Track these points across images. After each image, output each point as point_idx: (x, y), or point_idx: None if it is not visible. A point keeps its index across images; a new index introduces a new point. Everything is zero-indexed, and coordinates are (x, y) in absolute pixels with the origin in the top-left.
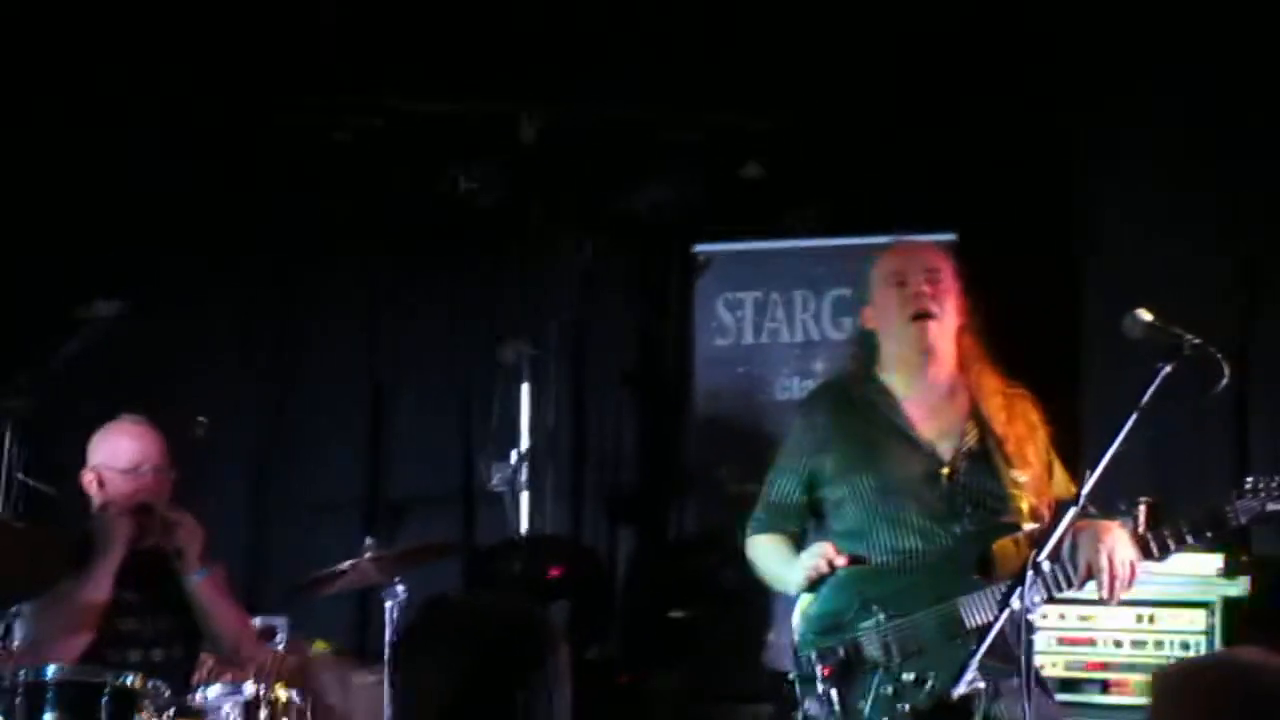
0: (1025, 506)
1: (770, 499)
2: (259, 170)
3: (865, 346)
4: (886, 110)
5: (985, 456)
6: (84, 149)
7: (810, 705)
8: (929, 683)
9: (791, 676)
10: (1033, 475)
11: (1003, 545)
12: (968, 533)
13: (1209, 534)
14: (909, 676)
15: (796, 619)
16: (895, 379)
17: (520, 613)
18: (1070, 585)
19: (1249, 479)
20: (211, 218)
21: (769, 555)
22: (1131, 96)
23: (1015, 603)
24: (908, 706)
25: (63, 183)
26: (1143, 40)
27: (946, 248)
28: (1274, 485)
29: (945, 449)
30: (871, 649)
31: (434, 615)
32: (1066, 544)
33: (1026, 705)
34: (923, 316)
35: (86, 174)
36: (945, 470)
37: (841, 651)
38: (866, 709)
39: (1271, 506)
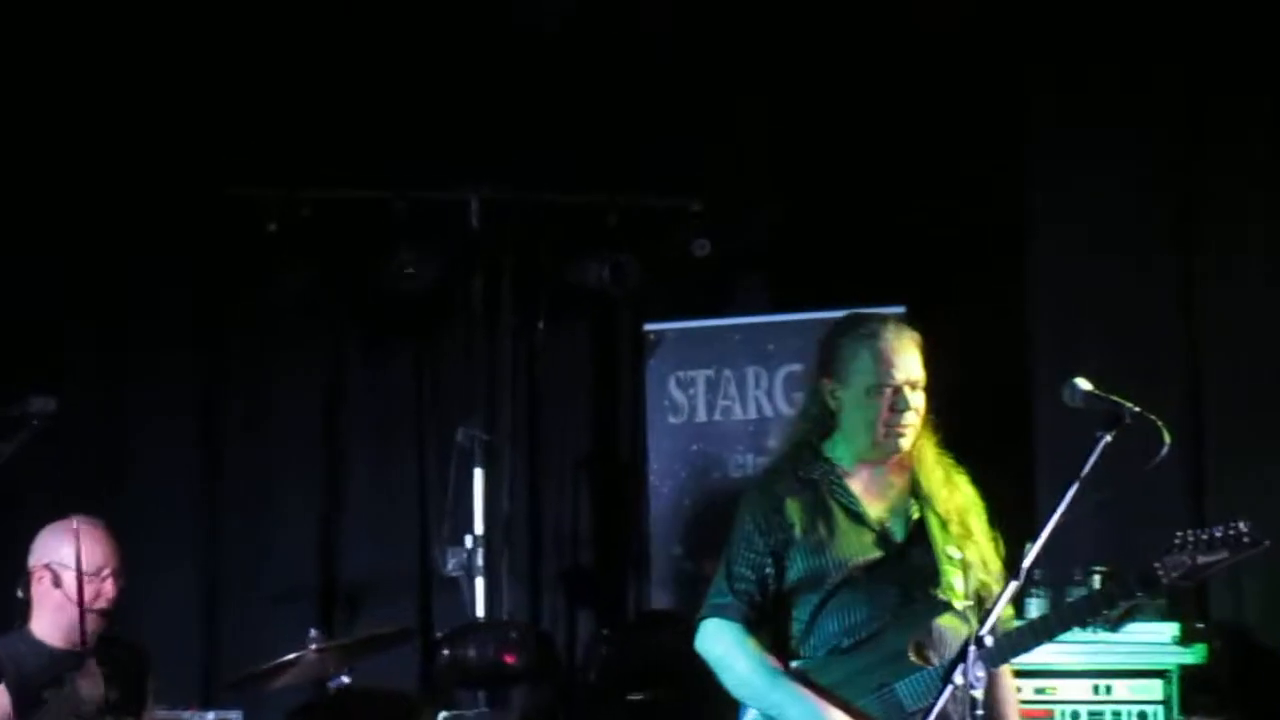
0: (959, 584)
1: (736, 574)
2: (204, 256)
3: (825, 420)
4: (833, 186)
5: (926, 534)
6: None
7: None
8: None
9: None
10: (978, 548)
11: (947, 622)
12: (912, 613)
13: (1140, 594)
14: None
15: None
16: (844, 454)
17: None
18: None
19: (1178, 534)
20: (156, 303)
21: (746, 667)
22: (1077, 160)
23: (958, 678)
24: None
25: None
26: (1090, 104)
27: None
28: (1204, 538)
29: (895, 528)
30: None
31: None
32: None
33: None
34: (902, 430)
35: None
36: (895, 551)
37: None
38: None
39: (1201, 559)
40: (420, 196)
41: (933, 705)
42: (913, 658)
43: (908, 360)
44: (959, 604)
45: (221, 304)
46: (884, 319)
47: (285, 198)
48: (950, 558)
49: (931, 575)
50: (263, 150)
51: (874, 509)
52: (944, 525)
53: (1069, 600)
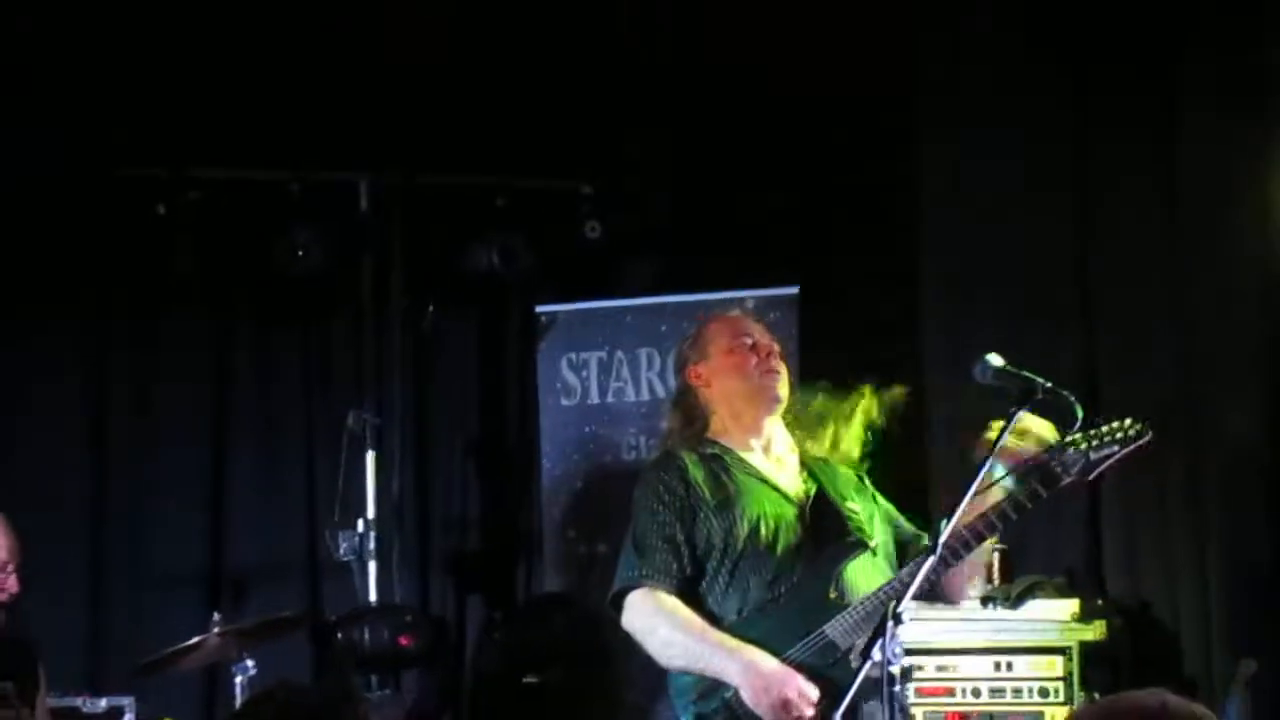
0: (865, 528)
1: (647, 543)
2: (91, 239)
3: (699, 408)
4: (725, 166)
5: (825, 495)
6: None
7: None
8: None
9: None
10: (876, 504)
11: (862, 562)
12: (827, 558)
13: (1044, 492)
14: None
15: (672, 689)
16: (730, 433)
17: (330, 700)
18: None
19: (1070, 435)
20: (41, 287)
21: (681, 625)
22: (966, 135)
23: (877, 654)
24: None
25: None
26: (978, 76)
27: (789, 302)
28: (1095, 435)
29: (795, 490)
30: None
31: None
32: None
33: None
34: (774, 378)
35: None
36: (803, 506)
37: (726, 709)
38: None
39: (1094, 455)
40: (309, 178)
41: (850, 682)
42: (833, 596)
43: (758, 328)
44: (870, 543)
45: (108, 287)
46: (727, 306)
47: (173, 179)
48: (853, 510)
49: (839, 523)
50: (150, 131)
51: (774, 475)
52: (837, 486)
53: (980, 513)
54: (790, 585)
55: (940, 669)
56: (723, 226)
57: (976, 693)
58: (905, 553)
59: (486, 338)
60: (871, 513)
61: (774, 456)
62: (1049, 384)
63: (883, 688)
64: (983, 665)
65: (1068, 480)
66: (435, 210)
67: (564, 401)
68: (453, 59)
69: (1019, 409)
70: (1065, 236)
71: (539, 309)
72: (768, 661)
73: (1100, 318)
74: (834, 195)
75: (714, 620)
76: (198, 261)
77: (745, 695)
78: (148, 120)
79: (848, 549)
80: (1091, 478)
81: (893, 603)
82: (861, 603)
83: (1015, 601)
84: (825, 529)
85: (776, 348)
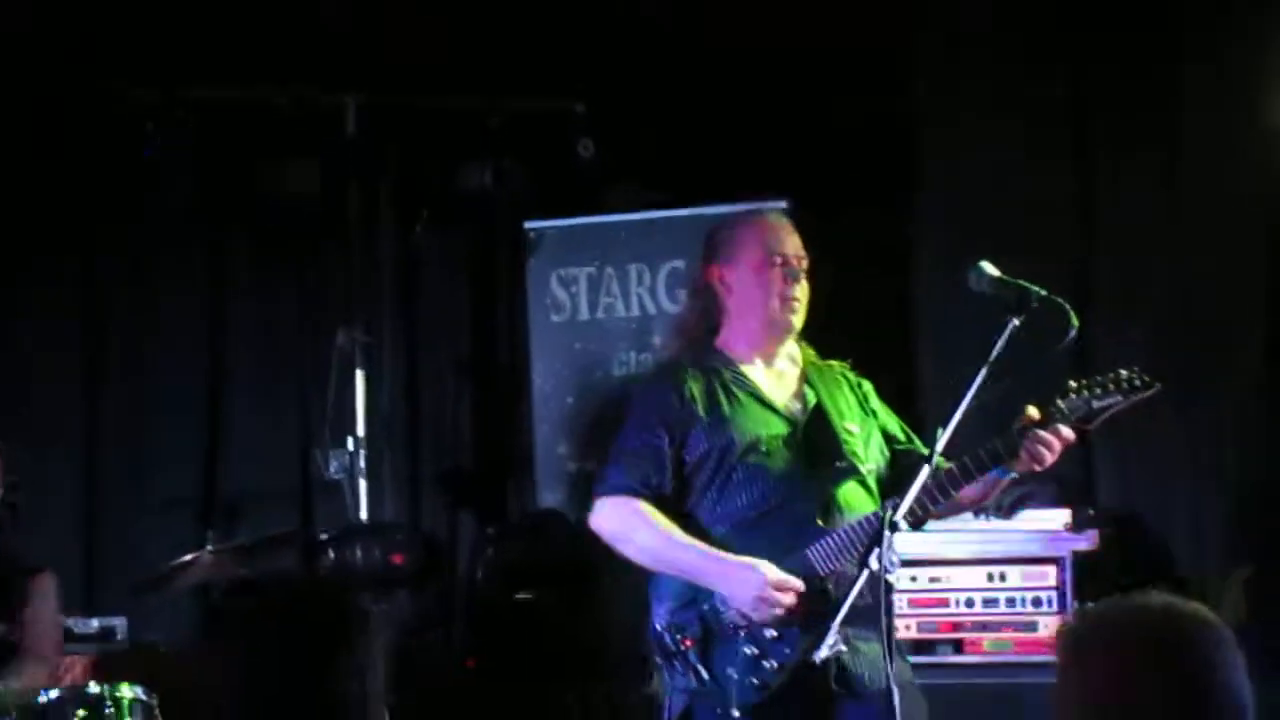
0: (860, 451)
1: (631, 451)
2: (77, 161)
3: (712, 310)
4: (717, 82)
5: (823, 413)
6: None
7: (678, 680)
8: (793, 635)
9: (656, 657)
10: (877, 420)
11: (851, 487)
12: (817, 481)
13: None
14: (772, 633)
15: (653, 598)
16: (739, 346)
17: (328, 597)
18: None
19: (1073, 381)
20: (33, 208)
21: (656, 531)
22: (964, 46)
23: (874, 563)
24: (775, 663)
25: None
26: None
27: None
28: (1098, 382)
29: (794, 408)
30: (730, 613)
31: (239, 599)
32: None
33: (889, 668)
34: (794, 304)
35: None
36: (798, 427)
37: (700, 621)
38: (734, 673)
39: (1097, 404)
40: (298, 99)
41: (846, 591)
42: (820, 522)
43: (794, 239)
44: (863, 468)
45: (100, 211)
46: (767, 210)
47: (162, 101)
48: (849, 431)
49: (833, 446)
50: (137, 53)
51: (771, 391)
52: (837, 403)
53: (979, 448)
54: (778, 506)
55: (933, 580)
56: (714, 142)
57: (970, 603)
58: (902, 472)
59: (477, 257)
60: (870, 433)
61: (775, 371)
62: (1044, 292)
63: (879, 595)
64: (976, 576)
65: (1064, 422)
66: (426, 132)
67: (554, 318)
68: None
69: (1014, 318)
70: (1065, 170)
71: (528, 225)
72: (742, 559)
73: (1099, 239)
74: (829, 115)
75: (701, 536)
76: (188, 184)
77: (724, 589)
78: (134, 41)
79: (838, 473)
80: (1092, 426)
81: (890, 511)
82: (845, 530)
83: (1008, 512)
84: (819, 451)
85: (806, 263)
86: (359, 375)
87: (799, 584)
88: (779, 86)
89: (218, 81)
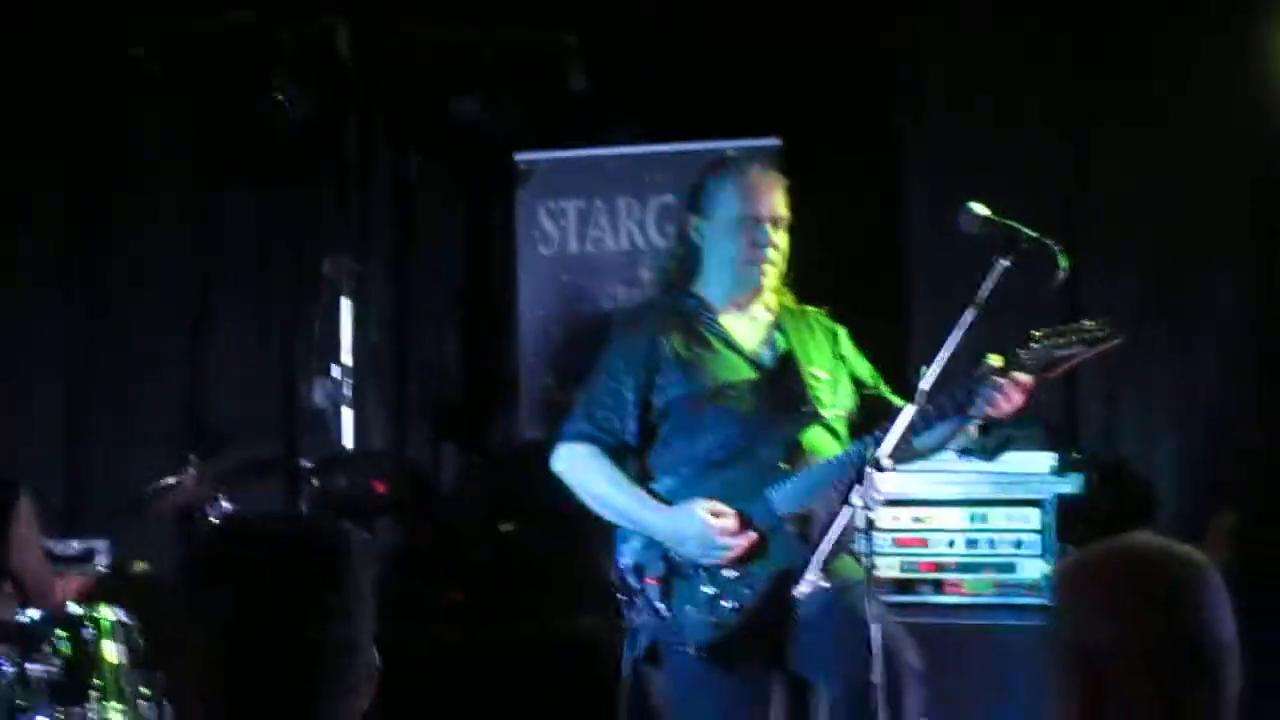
0: (826, 397)
1: (596, 400)
2: (64, 91)
3: (690, 258)
4: (710, 16)
5: (792, 360)
6: None
7: (641, 617)
8: (752, 576)
9: (620, 594)
10: (848, 364)
11: (816, 432)
12: (783, 425)
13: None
14: (731, 574)
15: (618, 536)
16: (714, 293)
17: (314, 531)
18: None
19: (1037, 330)
20: (19, 139)
21: (604, 483)
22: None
23: (856, 500)
24: (733, 603)
25: None
26: None
27: (771, 155)
28: (1060, 331)
29: (764, 355)
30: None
31: (223, 537)
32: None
33: (868, 603)
34: (763, 265)
35: None
36: (763, 371)
37: (664, 560)
38: (692, 611)
39: (1058, 353)
40: (290, 29)
41: (827, 526)
42: (784, 466)
43: (771, 196)
44: (827, 414)
45: (86, 138)
46: (751, 158)
47: (155, 28)
48: (817, 378)
49: (800, 392)
50: None
51: (743, 338)
52: (807, 350)
53: (939, 394)
54: (744, 450)
55: (916, 520)
56: (707, 78)
57: (951, 544)
58: (869, 415)
59: (469, 188)
60: (839, 378)
61: (748, 317)
62: (1034, 233)
63: (862, 531)
64: (958, 517)
65: (1023, 374)
66: (419, 63)
67: (542, 250)
68: None
69: (1003, 258)
70: (1057, 113)
71: (518, 157)
72: (680, 505)
73: (1089, 182)
74: (821, 51)
75: (668, 479)
76: (176, 112)
77: (666, 539)
78: None
79: (803, 418)
80: (1052, 375)
81: (872, 449)
82: (806, 472)
83: (992, 453)
84: (785, 395)
85: (784, 215)
86: (345, 304)
87: (733, 523)
88: (772, 16)
89: (209, 9)
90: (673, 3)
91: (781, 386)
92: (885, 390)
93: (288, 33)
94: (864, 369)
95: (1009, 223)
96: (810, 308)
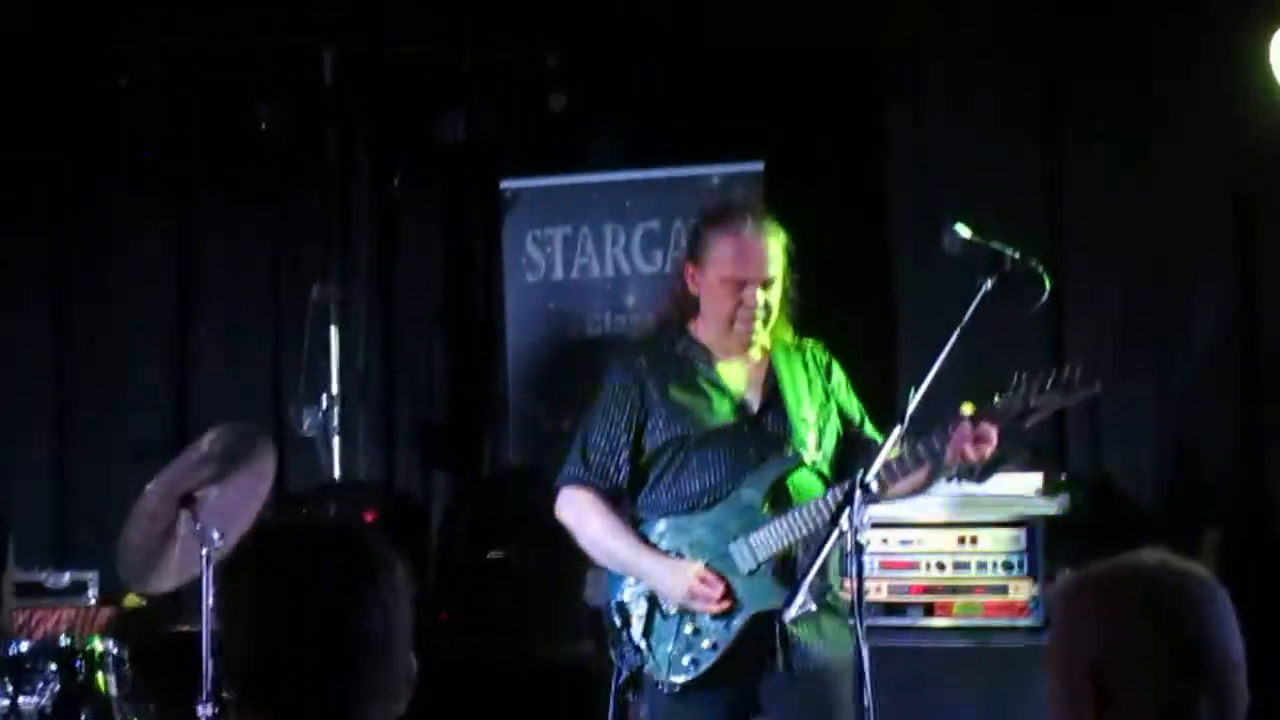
0: (811, 442)
1: (592, 444)
2: (48, 106)
3: (687, 301)
4: (693, 40)
5: (781, 400)
6: None
7: (623, 651)
8: (732, 617)
9: (606, 630)
10: (835, 402)
11: (800, 477)
12: (766, 470)
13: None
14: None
15: (610, 575)
16: (707, 338)
17: (349, 531)
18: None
19: (1016, 375)
20: (3, 160)
21: (600, 530)
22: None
23: (844, 523)
24: (710, 641)
25: None
26: None
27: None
28: (1036, 382)
29: (752, 399)
30: None
31: (260, 538)
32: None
33: (860, 625)
34: (751, 324)
35: None
36: (753, 418)
37: (647, 599)
38: (671, 650)
39: (1034, 401)
40: (273, 47)
41: (817, 552)
42: (766, 511)
43: (764, 258)
44: (809, 458)
45: (72, 160)
46: (749, 212)
47: (136, 49)
48: (805, 420)
49: (785, 437)
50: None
51: (733, 382)
52: (797, 390)
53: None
54: (728, 494)
55: (904, 543)
56: (689, 100)
57: (941, 566)
58: (849, 451)
59: (452, 211)
60: (827, 419)
61: (740, 360)
62: (1016, 254)
63: (850, 556)
64: (946, 539)
65: (993, 424)
66: (400, 82)
67: (529, 278)
68: None
69: (986, 280)
70: (1035, 134)
71: (503, 184)
72: (671, 558)
73: (1069, 203)
74: (803, 70)
75: (656, 520)
76: (162, 132)
77: (655, 586)
78: None
79: (786, 463)
80: (1026, 424)
81: (861, 472)
82: (787, 516)
83: (980, 476)
84: (771, 440)
85: (773, 275)
86: (333, 331)
87: (719, 586)
88: (753, 39)
89: (192, 29)
90: (652, 22)
91: (767, 431)
92: (870, 429)
93: (272, 53)
94: (852, 405)
95: (992, 244)
96: (808, 340)
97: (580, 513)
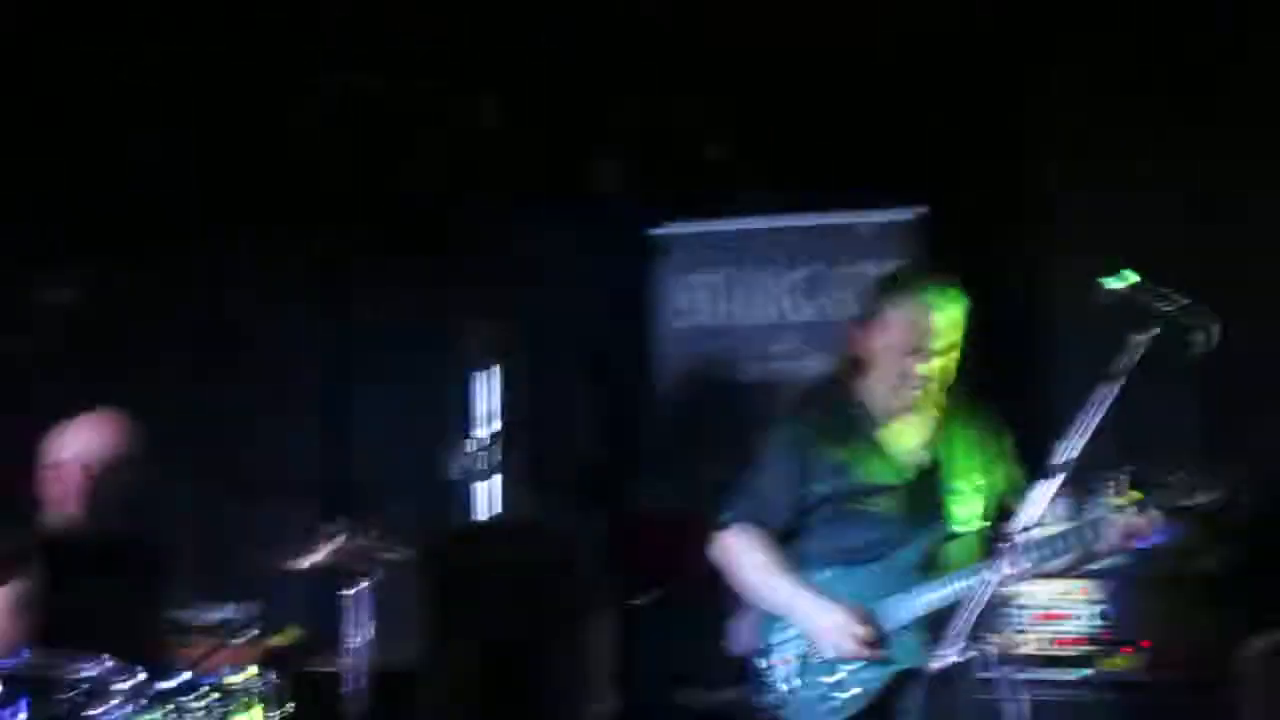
0: (967, 510)
1: (759, 488)
2: (211, 152)
3: (857, 362)
4: (849, 84)
5: (936, 472)
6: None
7: (771, 693)
8: (879, 670)
9: (755, 669)
10: (995, 472)
11: (954, 545)
12: (922, 534)
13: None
14: (856, 665)
15: (765, 614)
16: (874, 401)
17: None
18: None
19: (1171, 474)
20: (161, 196)
21: (762, 568)
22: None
23: (990, 575)
24: (855, 692)
25: None
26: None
27: (911, 228)
28: (1190, 483)
29: (914, 460)
30: None
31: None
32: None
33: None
34: (915, 391)
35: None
36: (910, 479)
37: (796, 646)
38: (819, 693)
39: (1184, 503)
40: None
41: (969, 608)
42: (917, 575)
43: (934, 328)
44: (966, 525)
45: (226, 201)
46: (925, 278)
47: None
48: (966, 486)
49: (938, 504)
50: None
51: (897, 444)
52: (958, 460)
53: (1090, 518)
54: (884, 553)
55: (1061, 594)
56: (846, 145)
57: (1095, 617)
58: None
59: (604, 256)
60: (984, 488)
61: (908, 421)
62: (1186, 300)
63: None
64: (1100, 590)
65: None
66: (554, 130)
67: (678, 324)
68: None
69: (1145, 331)
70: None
71: (655, 231)
72: (828, 604)
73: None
74: (963, 120)
75: (811, 569)
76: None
77: (807, 630)
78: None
79: (936, 530)
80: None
81: (1011, 531)
82: (937, 583)
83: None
84: (924, 506)
85: (950, 342)
86: (483, 374)
87: (873, 632)
88: (911, 84)
89: (357, 70)
90: (807, 69)
91: (922, 497)
92: (1015, 499)
93: (430, 102)
94: (1010, 476)
95: (1159, 289)
96: (980, 405)
97: (742, 550)
